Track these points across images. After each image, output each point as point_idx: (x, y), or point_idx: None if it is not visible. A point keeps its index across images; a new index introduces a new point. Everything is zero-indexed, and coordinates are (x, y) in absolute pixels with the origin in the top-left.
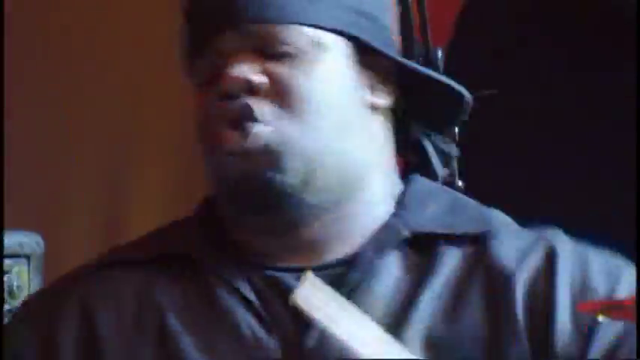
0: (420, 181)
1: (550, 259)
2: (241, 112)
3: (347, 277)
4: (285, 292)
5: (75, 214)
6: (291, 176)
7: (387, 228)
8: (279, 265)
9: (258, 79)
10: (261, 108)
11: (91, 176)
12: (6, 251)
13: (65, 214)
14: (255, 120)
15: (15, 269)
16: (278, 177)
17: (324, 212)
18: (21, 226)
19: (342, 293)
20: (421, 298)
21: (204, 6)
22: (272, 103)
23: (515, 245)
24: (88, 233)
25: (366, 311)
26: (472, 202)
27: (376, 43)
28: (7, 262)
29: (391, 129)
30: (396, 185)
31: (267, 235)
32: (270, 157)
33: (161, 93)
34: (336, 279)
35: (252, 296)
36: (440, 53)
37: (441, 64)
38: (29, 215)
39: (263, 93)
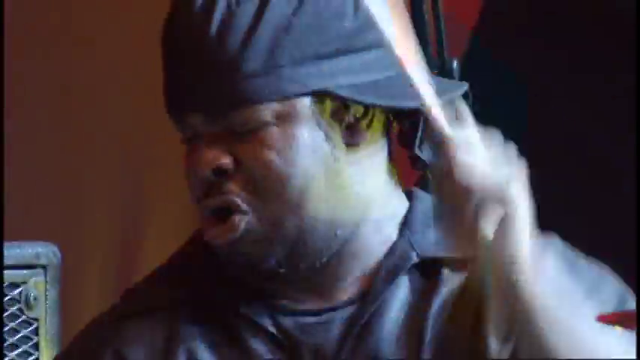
0: (423, 198)
1: None
2: (226, 206)
3: (360, 313)
4: (307, 332)
5: (92, 225)
6: (276, 256)
7: (395, 253)
8: (297, 305)
9: (227, 163)
10: (241, 198)
11: (108, 188)
12: (22, 262)
13: (82, 224)
14: (239, 211)
15: (32, 280)
16: (265, 261)
17: (326, 263)
18: (38, 237)
19: (355, 328)
20: (428, 320)
21: (172, 82)
22: (246, 186)
23: None
24: (105, 244)
25: (378, 339)
26: None
27: (348, 81)
28: (23, 272)
29: (383, 141)
30: (399, 202)
31: (275, 286)
32: (252, 244)
33: None
34: (351, 316)
35: (280, 337)
36: (455, 63)
37: (456, 74)
38: (46, 226)
39: (235, 176)
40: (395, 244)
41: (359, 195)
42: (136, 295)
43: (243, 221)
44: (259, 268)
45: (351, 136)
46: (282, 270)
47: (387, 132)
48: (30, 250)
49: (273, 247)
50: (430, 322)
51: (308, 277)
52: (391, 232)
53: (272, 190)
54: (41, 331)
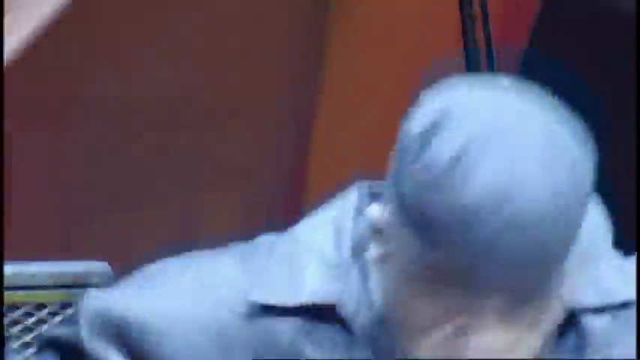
0: None
1: None
2: None
3: None
4: None
5: (141, 242)
6: None
7: None
8: None
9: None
10: None
11: (159, 205)
12: (74, 280)
13: (131, 242)
14: None
15: None
16: None
17: None
18: (89, 255)
19: None
20: None
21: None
22: None
23: None
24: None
25: None
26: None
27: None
28: (75, 291)
29: None
30: None
31: None
32: None
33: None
34: None
35: None
36: None
37: None
38: (96, 244)
39: None
40: None
41: None
42: None
43: None
44: None
45: None
46: None
47: None
48: (82, 268)
49: None
50: None
51: None
52: None
53: None
54: None
